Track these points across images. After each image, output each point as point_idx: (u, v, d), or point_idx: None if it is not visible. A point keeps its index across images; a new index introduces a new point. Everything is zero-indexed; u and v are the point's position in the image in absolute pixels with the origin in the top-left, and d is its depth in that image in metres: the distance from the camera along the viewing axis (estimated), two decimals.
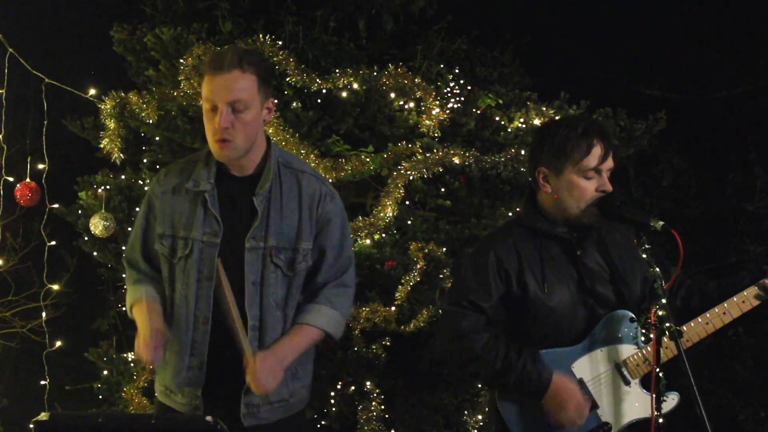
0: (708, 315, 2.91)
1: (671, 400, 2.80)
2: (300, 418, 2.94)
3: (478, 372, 2.85)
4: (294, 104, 5.20)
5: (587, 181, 2.82)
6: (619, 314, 2.87)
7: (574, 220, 2.87)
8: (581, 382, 2.82)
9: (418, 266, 4.93)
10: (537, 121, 5.32)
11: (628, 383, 2.84)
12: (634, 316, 2.86)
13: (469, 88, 5.55)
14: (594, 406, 2.81)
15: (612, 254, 2.93)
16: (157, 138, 5.30)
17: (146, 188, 2.95)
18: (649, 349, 2.84)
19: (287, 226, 2.81)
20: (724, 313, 2.94)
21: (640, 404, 2.84)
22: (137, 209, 3.16)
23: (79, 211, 5.20)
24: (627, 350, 2.86)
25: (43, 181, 5.02)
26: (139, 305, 2.81)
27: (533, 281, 2.84)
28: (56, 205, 5.18)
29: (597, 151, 2.82)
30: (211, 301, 2.76)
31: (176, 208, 2.82)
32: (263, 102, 2.76)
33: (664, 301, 2.64)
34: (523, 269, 2.85)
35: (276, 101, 5.02)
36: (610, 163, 2.85)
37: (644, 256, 2.69)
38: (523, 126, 5.37)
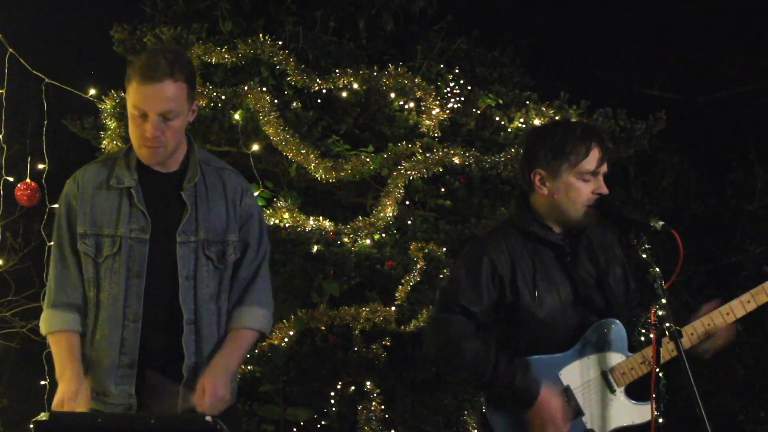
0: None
1: (647, 410, 2.79)
2: (234, 411, 2.95)
3: (467, 378, 2.89)
4: (294, 104, 5.20)
5: (584, 183, 2.82)
6: (607, 322, 2.87)
7: (572, 223, 2.87)
8: (568, 390, 2.83)
9: (418, 266, 4.92)
10: (537, 121, 5.32)
11: (613, 391, 2.84)
12: (622, 324, 2.87)
13: (469, 88, 5.55)
14: (579, 413, 2.82)
15: (599, 259, 2.94)
16: None
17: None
18: (635, 357, 2.84)
19: (216, 219, 2.82)
20: (728, 314, 2.91)
21: (625, 412, 2.84)
22: None
23: None
24: (614, 358, 2.86)
25: (43, 181, 5.01)
26: (59, 338, 2.77)
27: (525, 288, 2.83)
28: (56, 205, 5.17)
29: (595, 154, 2.81)
30: (142, 297, 2.74)
31: (98, 206, 2.78)
32: (190, 106, 2.76)
33: (664, 301, 2.64)
34: (515, 275, 2.84)
35: (276, 101, 5.06)
36: (605, 167, 2.85)
37: (644, 256, 2.69)
38: (523, 126, 5.37)
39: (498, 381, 2.74)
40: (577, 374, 2.83)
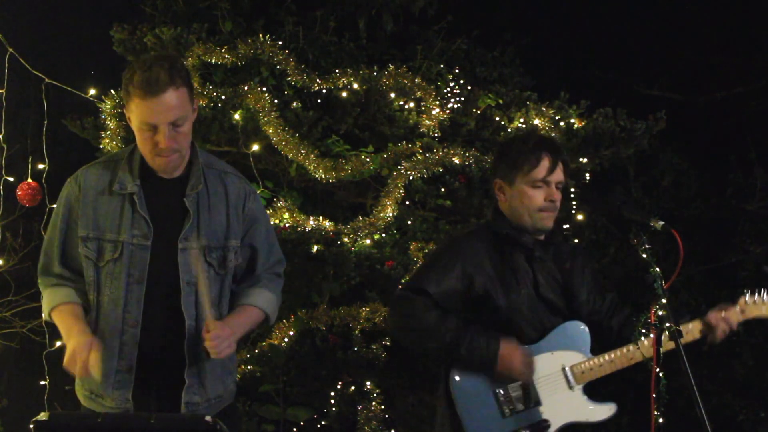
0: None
1: (607, 410, 3.01)
2: (233, 410, 3.00)
3: (429, 346, 2.98)
4: (294, 104, 5.20)
5: (535, 190, 3.03)
6: (573, 324, 3.06)
7: (528, 228, 3.07)
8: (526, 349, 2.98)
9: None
10: (537, 121, 5.32)
11: (571, 387, 3.00)
12: (586, 326, 3.05)
13: (469, 88, 5.55)
14: (537, 403, 2.97)
15: (565, 268, 3.13)
16: None
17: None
18: (596, 358, 3.01)
19: (216, 225, 2.84)
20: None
21: (579, 408, 3.00)
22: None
23: None
24: (575, 357, 3.02)
25: (43, 181, 5.02)
26: (61, 309, 2.79)
27: (498, 288, 3.00)
28: (56, 205, 5.18)
29: (545, 163, 3.03)
30: (142, 303, 2.75)
31: (101, 210, 2.79)
32: (193, 107, 2.78)
33: (664, 301, 2.67)
34: (486, 273, 3.01)
35: (276, 101, 5.06)
36: (559, 176, 3.06)
37: (644, 256, 2.72)
38: (523, 126, 5.37)
39: (459, 341, 2.90)
40: (539, 367, 2.98)
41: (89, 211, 2.80)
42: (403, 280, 4.91)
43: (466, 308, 3.01)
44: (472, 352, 2.90)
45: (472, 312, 3.01)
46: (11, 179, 5.13)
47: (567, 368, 3.00)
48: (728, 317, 3.05)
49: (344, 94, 5.25)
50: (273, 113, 4.94)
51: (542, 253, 3.09)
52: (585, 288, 3.15)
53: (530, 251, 3.08)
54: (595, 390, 3.03)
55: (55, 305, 2.80)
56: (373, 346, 4.89)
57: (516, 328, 3.00)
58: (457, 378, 2.96)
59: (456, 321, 2.93)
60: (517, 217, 3.07)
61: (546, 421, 2.94)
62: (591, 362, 3.01)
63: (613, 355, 3.00)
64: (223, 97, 5.01)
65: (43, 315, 2.87)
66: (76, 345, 2.65)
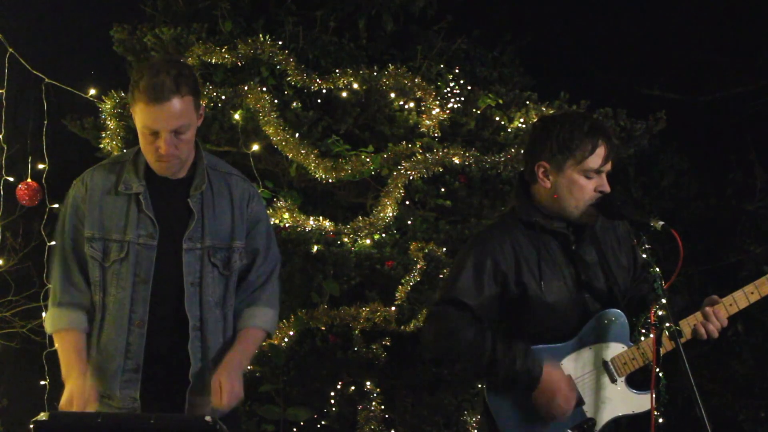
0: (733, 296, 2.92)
1: (648, 399, 2.84)
2: (235, 411, 2.97)
3: (466, 366, 2.87)
4: (294, 104, 5.20)
5: (587, 180, 2.82)
6: (610, 312, 2.89)
7: (571, 219, 2.87)
8: (569, 379, 2.84)
9: (418, 266, 4.92)
10: None
11: (614, 381, 2.88)
12: (624, 314, 2.89)
13: (469, 88, 5.55)
14: (580, 402, 2.84)
15: (604, 250, 2.95)
16: None
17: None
18: (636, 347, 2.88)
19: (221, 225, 2.84)
20: (731, 305, 2.93)
21: (624, 401, 2.88)
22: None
23: None
24: (615, 348, 2.89)
25: (43, 181, 5.01)
26: (64, 336, 2.79)
27: (532, 280, 2.84)
28: (56, 205, 5.17)
29: (601, 151, 2.81)
30: (148, 303, 2.77)
31: (106, 210, 2.80)
32: (198, 114, 2.78)
33: (664, 301, 2.65)
34: (521, 269, 2.84)
35: (276, 101, 5.06)
36: (609, 165, 2.85)
37: (644, 256, 2.70)
38: (523, 126, 5.37)
39: (497, 366, 2.76)
40: (579, 364, 2.86)
41: (95, 212, 2.81)
42: (404, 278, 4.92)
43: (504, 310, 2.86)
44: (511, 378, 2.75)
45: (510, 313, 2.87)
46: (11, 179, 5.12)
47: (609, 362, 2.86)
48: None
49: (344, 94, 5.24)
50: (273, 113, 4.94)
51: (578, 236, 2.90)
52: (620, 265, 2.97)
53: (565, 238, 2.88)
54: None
55: (59, 329, 2.81)
56: (373, 346, 4.89)
57: (556, 321, 2.84)
58: (493, 390, 2.84)
59: (492, 343, 2.76)
60: (559, 207, 2.85)
61: (591, 419, 2.84)
62: (633, 351, 2.87)
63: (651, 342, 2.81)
64: (223, 97, 5.01)
65: (46, 328, 2.88)
66: (74, 391, 2.67)
